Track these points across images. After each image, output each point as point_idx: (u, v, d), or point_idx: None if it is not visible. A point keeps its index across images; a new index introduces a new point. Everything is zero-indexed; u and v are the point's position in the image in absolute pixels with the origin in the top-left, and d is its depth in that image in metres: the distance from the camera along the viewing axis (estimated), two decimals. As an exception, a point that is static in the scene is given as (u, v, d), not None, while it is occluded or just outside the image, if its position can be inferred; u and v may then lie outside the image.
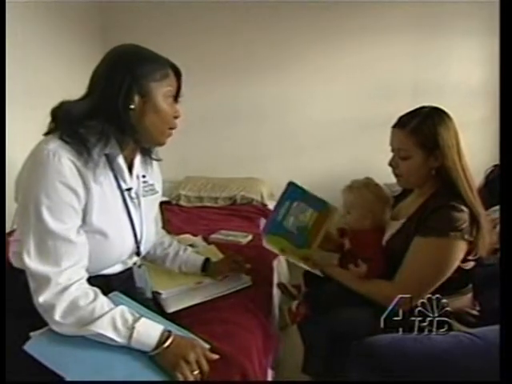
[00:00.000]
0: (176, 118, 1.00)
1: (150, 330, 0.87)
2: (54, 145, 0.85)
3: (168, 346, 0.86)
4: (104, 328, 0.84)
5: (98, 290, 0.89)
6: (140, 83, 0.90)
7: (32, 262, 0.83)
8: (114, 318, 0.85)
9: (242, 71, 2.90)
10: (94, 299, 0.86)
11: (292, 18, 2.77)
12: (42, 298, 0.82)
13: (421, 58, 2.75)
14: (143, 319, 0.88)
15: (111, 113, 0.89)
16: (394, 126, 1.22)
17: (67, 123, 0.88)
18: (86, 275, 0.90)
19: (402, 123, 1.19)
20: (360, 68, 2.79)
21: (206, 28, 2.84)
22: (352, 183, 1.39)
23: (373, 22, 2.72)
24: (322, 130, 2.93)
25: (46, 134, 0.91)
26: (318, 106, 2.90)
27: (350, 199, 1.36)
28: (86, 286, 0.89)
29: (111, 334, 0.84)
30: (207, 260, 1.33)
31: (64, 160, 0.84)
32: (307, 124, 2.93)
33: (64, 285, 0.84)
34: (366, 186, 1.35)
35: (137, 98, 0.91)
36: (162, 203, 2.79)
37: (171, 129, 1.00)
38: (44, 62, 2.20)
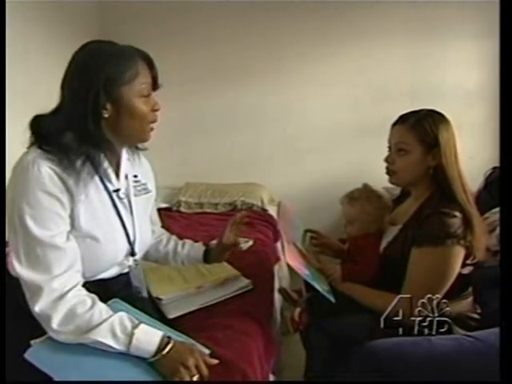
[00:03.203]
0: (156, 110, 0.97)
1: (149, 336, 0.87)
2: (34, 155, 0.86)
3: (167, 353, 0.86)
4: (103, 335, 0.84)
5: (95, 297, 0.89)
6: (108, 90, 0.87)
7: (23, 270, 0.83)
8: (112, 325, 0.85)
9: (241, 77, 2.91)
10: (92, 306, 0.86)
11: (290, 24, 2.79)
12: (37, 307, 0.82)
13: (418, 61, 2.76)
14: (142, 326, 0.87)
15: (82, 128, 0.87)
16: (395, 124, 1.23)
17: (44, 136, 0.88)
18: (82, 281, 0.90)
19: (403, 119, 1.20)
20: (358, 72, 2.81)
21: (205, 33, 2.85)
22: (352, 194, 1.35)
23: (370, 26, 2.73)
24: (321, 135, 2.94)
25: (29, 147, 0.90)
26: (317, 111, 2.91)
27: (352, 212, 1.33)
28: (83, 292, 0.88)
29: (110, 342, 0.84)
30: (207, 250, 1.29)
31: (43, 168, 0.84)
32: (307, 129, 2.94)
33: (59, 292, 0.84)
34: (368, 199, 1.32)
35: (109, 106, 0.89)
36: (162, 209, 2.79)
37: (152, 122, 0.97)
38: (43, 64, 2.20)
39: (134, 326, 0.86)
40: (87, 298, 0.87)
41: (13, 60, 1.81)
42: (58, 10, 2.37)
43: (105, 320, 0.85)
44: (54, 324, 0.82)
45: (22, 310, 0.87)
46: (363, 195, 1.33)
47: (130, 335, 0.85)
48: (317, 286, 1.17)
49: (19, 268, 0.83)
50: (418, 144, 1.16)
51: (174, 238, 1.33)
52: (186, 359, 0.85)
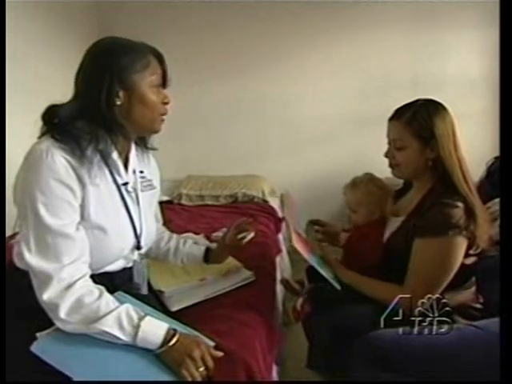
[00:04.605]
0: (166, 103, 1.00)
1: (155, 328, 0.87)
2: (47, 144, 0.86)
3: (173, 344, 0.86)
4: (110, 326, 0.84)
5: (103, 288, 0.90)
6: (121, 78, 0.90)
7: (33, 258, 0.84)
8: (119, 316, 0.86)
9: (242, 69, 2.90)
10: (99, 297, 0.87)
11: (290, 14, 2.76)
12: (45, 296, 0.83)
13: (419, 51, 2.74)
14: (148, 317, 0.88)
15: (96, 113, 0.90)
16: (391, 119, 1.22)
17: (57, 124, 0.90)
18: (89, 272, 0.91)
19: (398, 115, 1.19)
20: (359, 62, 2.79)
21: (204, 26, 2.83)
22: (355, 180, 1.36)
23: (371, 16, 2.71)
24: (322, 126, 2.92)
25: (40, 137, 0.92)
26: (318, 102, 2.89)
27: (357, 197, 1.34)
28: (91, 283, 0.89)
29: (117, 333, 0.85)
30: (208, 249, 1.30)
31: (57, 157, 0.85)
32: (307, 120, 2.93)
33: (68, 282, 0.84)
34: (372, 181, 1.33)
35: (121, 93, 0.92)
36: (163, 202, 2.79)
37: (162, 115, 1.00)
38: (43, 63, 2.20)
39: (141, 318, 0.87)
40: (95, 288, 0.88)
41: (12, 61, 1.81)
42: (58, 8, 2.36)
43: (112, 311, 0.86)
44: (62, 313, 0.83)
45: (27, 304, 0.88)
46: (366, 178, 1.35)
47: (137, 327, 0.85)
48: (323, 272, 1.18)
49: (29, 256, 0.84)
50: (415, 140, 1.15)
51: (175, 235, 1.34)
52: (191, 351, 0.86)
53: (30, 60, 2.09)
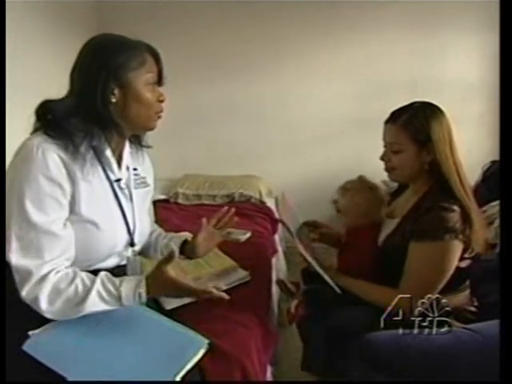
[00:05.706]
0: (161, 101, 1.00)
1: (134, 288, 0.89)
2: (39, 139, 0.86)
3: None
4: (94, 305, 0.87)
5: (76, 269, 0.90)
6: (117, 75, 0.90)
7: (14, 255, 0.83)
8: (99, 292, 0.87)
9: (240, 69, 2.90)
10: (74, 278, 0.87)
11: (290, 15, 2.77)
12: (24, 292, 0.83)
13: (418, 54, 2.75)
14: (124, 282, 0.89)
15: (91, 110, 0.89)
16: (387, 122, 1.22)
17: (51, 120, 0.90)
18: (68, 265, 0.91)
19: (394, 118, 1.19)
20: (358, 65, 2.79)
21: (204, 26, 2.83)
22: (345, 185, 1.38)
23: (371, 20, 2.72)
24: (320, 128, 2.93)
25: (32, 133, 0.92)
26: (316, 104, 2.90)
27: (344, 203, 1.36)
28: (64, 269, 0.89)
29: (104, 307, 0.88)
30: (185, 242, 1.25)
31: (48, 153, 0.85)
32: (305, 122, 2.93)
33: (43, 273, 0.85)
34: (358, 191, 1.34)
35: (116, 91, 0.92)
36: (160, 201, 2.78)
37: (158, 113, 1.00)
38: (43, 63, 2.20)
39: (117, 287, 0.88)
40: (68, 270, 0.89)
41: (12, 60, 1.81)
42: (58, 8, 2.37)
43: (90, 289, 0.86)
44: (43, 304, 0.84)
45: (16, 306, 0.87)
46: (354, 186, 1.36)
47: (118, 297, 0.88)
48: (324, 276, 1.19)
49: (9, 252, 0.83)
50: (411, 143, 1.15)
51: (158, 229, 1.32)
52: (165, 271, 0.90)
53: (31, 60, 2.09)
